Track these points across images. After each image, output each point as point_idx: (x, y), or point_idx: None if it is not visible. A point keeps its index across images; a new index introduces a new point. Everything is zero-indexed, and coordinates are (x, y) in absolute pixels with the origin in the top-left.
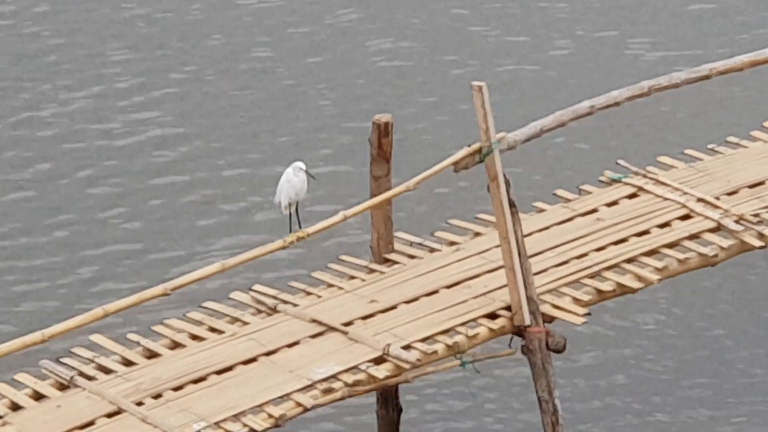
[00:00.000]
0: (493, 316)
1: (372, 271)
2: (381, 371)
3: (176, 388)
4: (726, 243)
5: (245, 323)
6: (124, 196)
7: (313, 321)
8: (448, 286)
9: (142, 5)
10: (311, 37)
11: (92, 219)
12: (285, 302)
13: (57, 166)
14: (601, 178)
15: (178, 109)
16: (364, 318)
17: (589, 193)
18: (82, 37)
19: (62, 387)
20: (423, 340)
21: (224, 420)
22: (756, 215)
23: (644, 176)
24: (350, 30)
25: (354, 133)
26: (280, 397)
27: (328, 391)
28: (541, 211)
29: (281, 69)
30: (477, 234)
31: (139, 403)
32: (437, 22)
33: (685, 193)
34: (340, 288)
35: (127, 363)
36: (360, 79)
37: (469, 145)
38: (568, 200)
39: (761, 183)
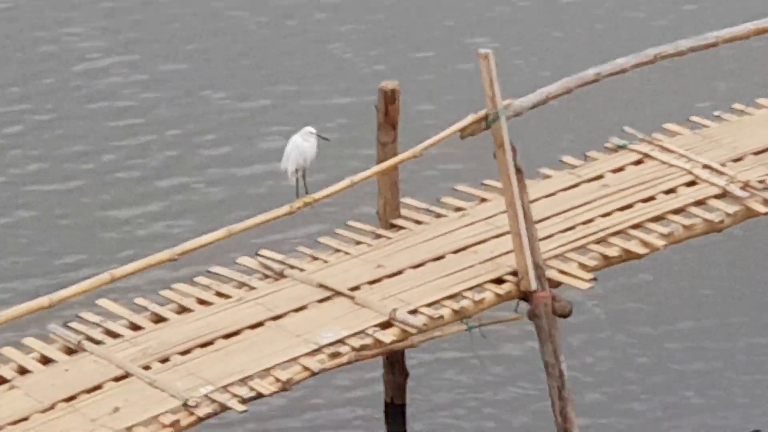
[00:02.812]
0: (499, 281)
1: (379, 236)
2: (387, 336)
3: (183, 353)
4: (732, 209)
5: (252, 288)
6: (131, 164)
7: (320, 286)
8: (455, 252)
9: None
10: (317, 4)
11: (100, 183)
12: (292, 267)
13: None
14: (607, 145)
15: (182, 74)
16: (371, 283)
17: (595, 159)
18: None
19: (70, 351)
20: (429, 305)
21: (231, 384)
22: (762, 181)
23: (650, 143)
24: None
25: (361, 100)
26: (287, 362)
27: (334, 355)
28: (547, 177)
29: (286, 36)
30: (483, 200)
31: (147, 367)
32: None
33: (691, 160)
34: (347, 253)
35: (135, 327)
36: (367, 46)
37: (476, 112)
38: (574, 166)
39: (767, 150)
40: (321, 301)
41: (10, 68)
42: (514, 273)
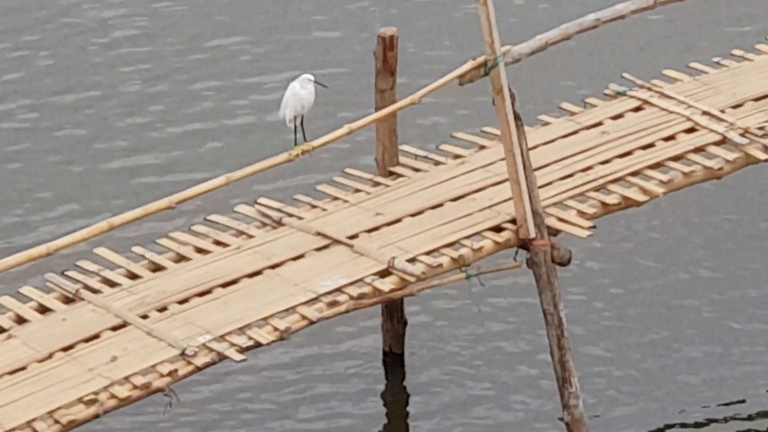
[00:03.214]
0: (498, 229)
1: (377, 184)
2: (386, 284)
3: (181, 302)
4: (731, 156)
5: (250, 236)
6: (127, 111)
7: (318, 234)
8: (453, 199)
9: None
10: None
11: (96, 132)
12: (290, 215)
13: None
14: (607, 92)
15: (179, 23)
16: (369, 231)
17: (595, 106)
18: None
19: (67, 300)
20: (428, 253)
21: (229, 333)
22: (761, 128)
23: (649, 89)
24: None
25: (359, 46)
26: (285, 310)
27: (333, 304)
28: (546, 124)
29: None
30: (482, 147)
31: (144, 316)
32: None
33: (690, 106)
34: (345, 201)
35: (132, 276)
36: None
37: (474, 59)
38: (573, 113)
39: (766, 96)
40: (319, 249)
41: (4, 17)
42: (513, 221)
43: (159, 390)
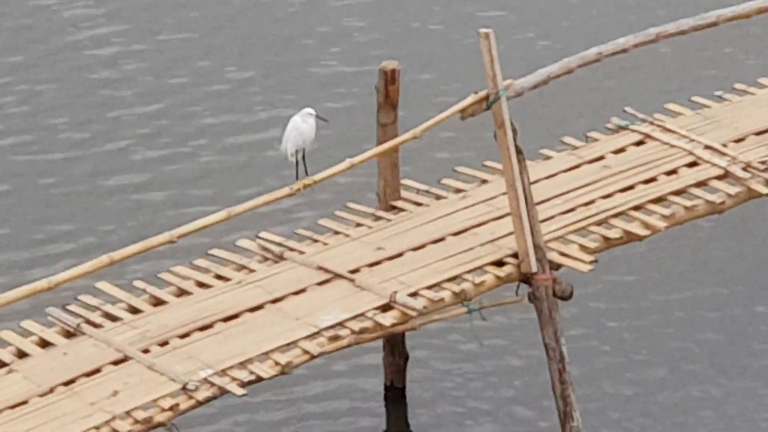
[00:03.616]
0: (499, 263)
1: (378, 218)
2: (387, 318)
3: (182, 336)
4: (733, 190)
5: (252, 271)
6: (130, 146)
7: (320, 268)
8: (455, 234)
9: None
10: None
11: (100, 170)
12: (291, 249)
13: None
14: (608, 125)
15: (179, 57)
16: (371, 265)
17: (596, 140)
18: None
19: (68, 334)
20: (430, 288)
21: (231, 367)
22: (763, 162)
23: (651, 123)
24: None
25: (361, 80)
26: (286, 345)
27: (334, 338)
28: (548, 158)
29: (287, 16)
30: (484, 181)
31: (146, 351)
32: None
33: (692, 140)
34: (347, 235)
35: (134, 310)
36: (368, 27)
37: (476, 93)
38: (575, 147)
39: None
40: (320, 283)
41: (10, 53)
42: (515, 255)
43: (160, 424)
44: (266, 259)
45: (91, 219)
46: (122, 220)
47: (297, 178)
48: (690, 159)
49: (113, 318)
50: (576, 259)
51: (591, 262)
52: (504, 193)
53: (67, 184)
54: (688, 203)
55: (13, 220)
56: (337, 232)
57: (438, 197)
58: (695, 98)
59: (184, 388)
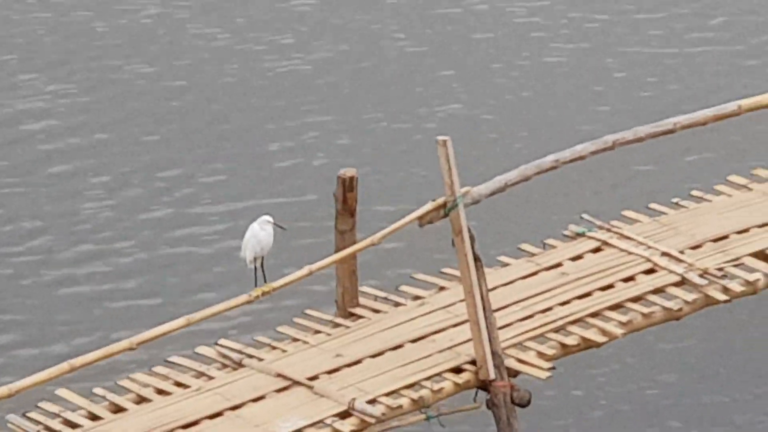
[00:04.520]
0: (458, 370)
1: (337, 325)
2: (346, 426)
3: None
4: (690, 297)
5: (211, 378)
6: (91, 255)
7: (279, 375)
8: (413, 341)
9: None
10: (274, 89)
11: (65, 275)
12: (250, 356)
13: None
14: (566, 232)
15: (137, 157)
16: (330, 372)
17: (554, 247)
18: None
19: None
20: (388, 395)
21: None
22: (720, 269)
23: (608, 230)
24: (311, 80)
25: (319, 187)
26: None
27: None
28: (506, 265)
29: (243, 123)
30: (442, 288)
31: None
32: (402, 74)
33: (650, 247)
34: (306, 342)
35: (93, 417)
36: (323, 133)
37: (434, 200)
38: (532, 254)
39: (725, 237)
40: (279, 390)
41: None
42: (473, 362)
43: None
44: (225, 366)
45: (50, 321)
46: (82, 317)
47: (256, 285)
48: (647, 266)
49: (73, 425)
50: (534, 366)
51: (549, 369)
52: (462, 300)
53: (25, 275)
54: (646, 310)
55: None
56: (295, 339)
57: (396, 304)
58: (652, 205)
59: None
